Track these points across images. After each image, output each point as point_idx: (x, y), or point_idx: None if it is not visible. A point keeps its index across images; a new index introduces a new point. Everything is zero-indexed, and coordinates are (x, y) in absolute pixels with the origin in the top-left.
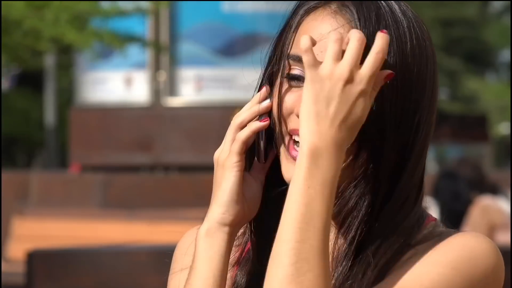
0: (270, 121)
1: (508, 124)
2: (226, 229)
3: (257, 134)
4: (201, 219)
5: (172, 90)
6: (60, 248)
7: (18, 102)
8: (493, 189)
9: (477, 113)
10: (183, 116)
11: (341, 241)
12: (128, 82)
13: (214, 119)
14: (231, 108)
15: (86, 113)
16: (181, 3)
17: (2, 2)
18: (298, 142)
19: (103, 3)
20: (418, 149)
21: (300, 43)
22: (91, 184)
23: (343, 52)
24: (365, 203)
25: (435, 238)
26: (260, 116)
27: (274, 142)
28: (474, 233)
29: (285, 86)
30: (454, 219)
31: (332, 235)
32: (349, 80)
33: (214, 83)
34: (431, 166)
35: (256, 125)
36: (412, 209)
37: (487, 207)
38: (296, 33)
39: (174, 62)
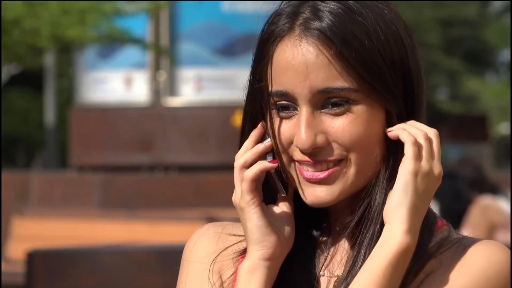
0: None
1: (508, 124)
2: (267, 263)
3: (270, 173)
4: (201, 219)
5: (172, 90)
6: (60, 248)
7: (18, 102)
8: (493, 189)
9: (477, 113)
10: (183, 116)
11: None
12: (128, 82)
13: (214, 119)
14: (231, 108)
15: (86, 113)
16: (181, 3)
17: (2, 2)
18: (304, 164)
19: (103, 4)
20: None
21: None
22: (91, 184)
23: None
24: (382, 202)
25: (456, 248)
26: (264, 156)
27: (284, 173)
28: (492, 244)
29: (277, 119)
30: (454, 219)
31: (342, 240)
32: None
33: (214, 83)
34: None
35: (264, 164)
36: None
37: (487, 207)
38: (271, 69)
39: (174, 62)
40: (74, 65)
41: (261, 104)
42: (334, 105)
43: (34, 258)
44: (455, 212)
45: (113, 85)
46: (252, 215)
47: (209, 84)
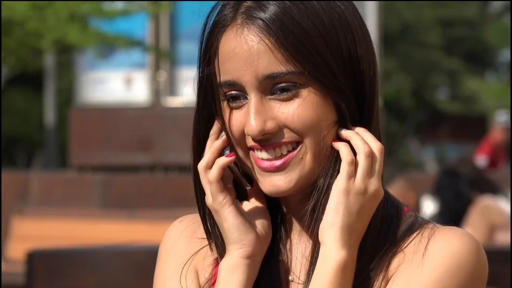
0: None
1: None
2: (248, 261)
3: (231, 167)
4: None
5: (172, 90)
6: (60, 248)
7: (18, 102)
8: (493, 189)
9: (477, 113)
10: (183, 116)
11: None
12: (128, 82)
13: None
14: None
15: (86, 113)
16: (181, 3)
17: (4, 2)
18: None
19: (104, 4)
20: (374, 119)
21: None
22: (91, 184)
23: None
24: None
25: (418, 240)
26: (222, 151)
27: (240, 164)
28: (452, 234)
29: (227, 110)
30: (454, 219)
31: (297, 237)
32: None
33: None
34: (431, 166)
35: (222, 160)
36: (386, 196)
37: (487, 207)
38: (217, 60)
39: (174, 62)
40: (74, 65)
41: (212, 97)
42: (282, 90)
43: (34, 258)
44: (455, 212)
45: (113, 85)
46: (227, 215)
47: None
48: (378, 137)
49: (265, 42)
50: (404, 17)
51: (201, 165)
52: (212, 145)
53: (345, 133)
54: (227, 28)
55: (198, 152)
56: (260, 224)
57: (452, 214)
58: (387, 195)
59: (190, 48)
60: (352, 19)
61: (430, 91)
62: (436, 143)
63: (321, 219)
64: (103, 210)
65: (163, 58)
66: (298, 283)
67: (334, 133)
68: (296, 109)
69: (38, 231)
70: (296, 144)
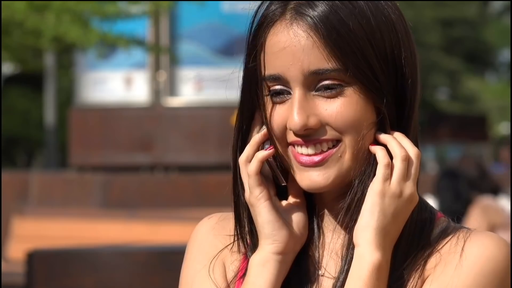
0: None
1: (508, 124)
2: (279, 257)
3: (269, 162)
4: (201, 219)
5: (172, 90)
6: (60, 248)
7: (18, 102)
8: (495, 189)
9: (477, 113)
10: (183, 116)
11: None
12: (128, 82)
13: (214, 119)
14: (231, 108)
15: (86, 113)
16: (181, 3)
17: (3, 2)
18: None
19: (104, 5)
20: (411, 121)
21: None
22: (91, 184)
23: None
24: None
25: (454, 243)
26: (262, 145)
27: (279, 160)
28: (487, 239)
29: (270, 105)
30: (454, 219)
31: (330, 234)
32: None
33: (214, 83)
34: (431, 166)
35: (261, 154)
36: (420, 201)
37: (488, 207)
38: (264, 53)
39: (174, 62)
40: (74, 65)
41: (256, 92)
42: (327, 88)
43: (34, 258)
44: (455, 212)
45: (113, 85)
46: (262, 210)
47: (209, 84)
48: (416, 143)
49: (313, 39)
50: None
51: (242, 159)
52: (253, 138)
53: (382, 137)
54: (276, 23)
55: (239, 146)
56: (296, 222)
57: (452, 215)
58: (421, 200)
59: (190, 48)
60: (398, 22)
61: (430, 91)
62: (436, 143)
63: (355, 219)
64: (103, 210)
65: (164, 54)
66: (328, 277)
67: (373, 135)
68: (339, 108)
69: (38, 231)
70: (336, 142)
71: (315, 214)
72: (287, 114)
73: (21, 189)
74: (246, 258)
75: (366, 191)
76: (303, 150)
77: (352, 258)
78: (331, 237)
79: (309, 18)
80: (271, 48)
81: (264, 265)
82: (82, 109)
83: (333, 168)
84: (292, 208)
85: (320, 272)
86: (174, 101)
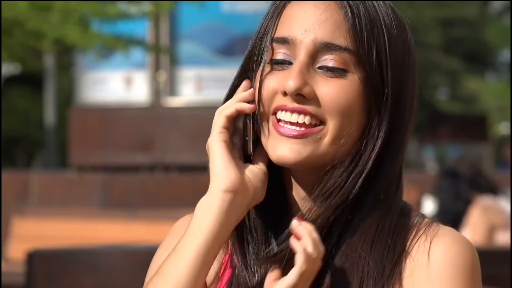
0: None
1: (508, 124)
2: (225, 195)
3: (245, 123)
4: None
5: (172, 90)
6: (60, 248)
7: (18, 102)
8: (493, 189)
9: (477, 113)
10: (183, 116)
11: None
12: (128, 82)
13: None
14: None
15: (86, 113)
16: (181, 3)
17: (5, 2)
18: (281, 120)
19: (105, 6)
20: (402, 133)
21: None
22: (91, 184)
23: None
24: (349, 183)
25: (423, 243)
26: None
27: (259, 125)
28: (459, 237)
29: (268, 69)
30: (454, 219)
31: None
32: None
33: (214, 83)
34: (431, 166)
35: (241, 104)
36: (396, 194)
37: (487, 207)
38: (280, 16)
39: (174, 62)
40: (74, 65)
41: (258, 54)
42: (331, 68)
43: (34, 258)
44: (455, 212)
45: (113, 85)
46: (217, 148)
47: (209, 84)
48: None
49: (335, 13)
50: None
51: (220, 108)
52: (237, 94)
53: (298, 229)
54: None
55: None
56: (253, 175)
57: (452, 215)
58: (400, 201)
59: (190, 48)
60: (412, 46)
61: (430, 91)
62: (436, 143)
63: (328, 208)
64: (103, 210)
65: (164, 54)
66: None
67: (357, 137)
68: (336, 89)
69: (38, 231)
70: (320, 122)
71: (287, 203)
72: (283, 79)
73: (21, 189)
74: (230, 257)
75: (346, 185)
76: (286, 116)
77: (325, 242)
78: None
79: None
80: (291, 12)
81: (210, 203)
82: (82, 109)
83: (309, 146)
84: (254, 167)
85: None
86: (174, 101)
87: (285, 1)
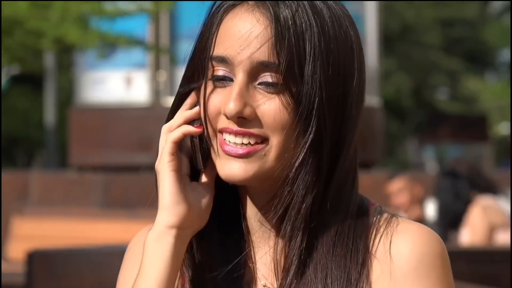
0: (203, 128)
1: (508, 124)
2: (173, 231)
3: (192, 141)
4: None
5: (172, 90)
6: (60, 248)
7: (18, 102)
8: (493, 189)
9: (477, 113)
10: None
11: (283, 244)
12: (128, 82)
13: None
14: None
15: (86, 113)
16: (181, 3)
17: (5, 2)
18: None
19: (105, 4)
20: (351, 132)
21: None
22: (91, 184)
23: None
24: (308, 193)
25: (385, 241)
26: (191, 123)
27: (207, 147)
28: (419, 230)
29: (210, 87)
30: (454, 219)
31: (271, 243)
32: None
33: None
34: (431, 166)
35: (187, 128)
36: (351, 192)
37: (487, 207)
38: (217, 33)
39: (174, 62)
40: (74, 65)
41: (199, 71)
42: (270, 85)
43: (34, 258)
44: (455, 212)
45: (113, 85)
46: (166, 178)
47: None
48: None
49: (269, 30)
50: (404, 17)
51: (165, 127)
52: (183, 112)
53: None
54: (236, 7)
55: (170, 117)
56: (199, 202)
57: (452, 215)
58: (357, 198)
59: (190, 48)
60: (356, 41)
61: (430, 91)
62: (436, 143)
63: (285, 226)
64: (103, 210)
65: (163, 54)
66: (263, 285)
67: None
68: (276, 106)
69: (38, 231)
70: (265, 139)
71: (243, 219)
72: (225, 99)
73: (21, 189)
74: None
75: (293, 200)
76: (231, 138)
77: (293, 268)
78: (265, 243)
79: (271, 11)
80: (226, 29)
81: (159, 240)
82: (82, 109)
83: (255, 164)
84: (200, 190)
85: (261, 282)
86: None
87: (221, 14)
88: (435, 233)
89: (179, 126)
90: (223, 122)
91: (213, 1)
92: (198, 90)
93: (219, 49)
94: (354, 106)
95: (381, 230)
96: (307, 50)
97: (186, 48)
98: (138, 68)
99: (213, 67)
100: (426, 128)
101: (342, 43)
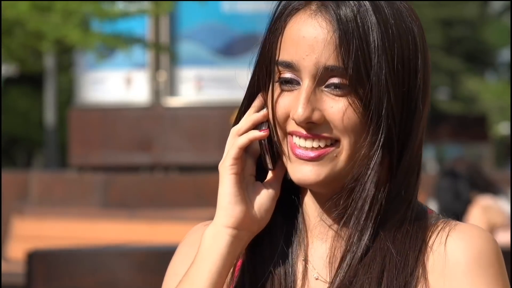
0: (270, 130)
1: (508, 124)
2: (229, 231)
3: (261, 143)
4: (201, 219)
5: (172, 90)
6: (60, 248)
7: (18, 102)
8: (493, 189)
9: (477, 113)
10: (183, 116)
11: (342, 240)
12: (128, 82)
13: (214, 119)
14: (231, 108)
15: (86, 113)
16: (181, 3)
17: (5, 2)
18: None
19: (104, 5)
20: (419, 127)
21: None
22: (91, 184)
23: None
24: (379, 191)
25: (447, 236)
26: (259, 125)
27: (277, 148)
28: (477, 229)
29: (277, 91)
30: (454, 219)
31: (328, 239)
32: None
33: (214, 83)
34: (431, 166)
35: (254, 133)
36: (416, 184)
37: (488, 207)
38: (282, 38)
39: (174, 62)
40: (74, 65)
41: (265, 74)
42: (336, 87)
43: (34, 258)
44: (455, 212)
45: (113, 85)
46: (225, 180)
47: (209, 84)
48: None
49: (332, 35)
50: None
51: (234, 129)
52: (250, 115)
53: None
54: (299, 12)
55: (238, 119)
56: (259, 204)
57: (452, 215)
58: (417, 201)
59: (190, 48)
60: (419, 34)
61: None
62: (436, 143)
63: (350, 225)
64: (103, 210)
65: (163, 52)
66: (322, 281)
67: (371, 145)
68: (345, 108)
69: (38, 231)
70: (335, 141)
71: (303, 215)
72: (293, 103)
73: (21, 189)
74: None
75: (366, 197)
76: (301, 142)
77: (348, 263)
78: (322, 238)
79: (334, 15)
80: (290, 34)
81: (215, 237)
82: (82, 109)
83: (326, 166)
84: (262, 191)
85: (314, 275)
86: (174, 101)
87: (285, 19)
88: (491, 235)
89: (247, 129)
90: (292, 126)
91: (276, 4)
92: (265, 93)
93: (284, 55)
94: (420, 101)
95: (439, 226)
96: (372, 51)
97: (186, 48)
98: (138, 68)
99: (279, 71)
100: (426, 128)
101: (406, 39)
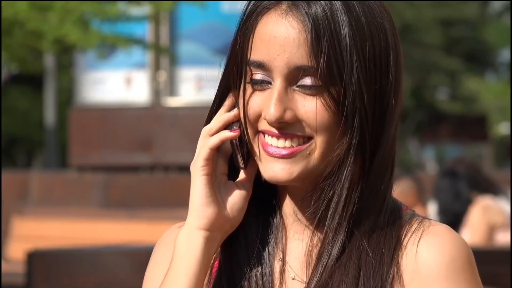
0: (241, 130)
1: (508, 124)
2: (202, 233)
3: (232, 142)
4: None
5: (172, 90)
6: (60, 248)
7: (18, 102)
8: (493, 189)
9: (477, 113)
10: (183, 116)
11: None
12: (128, 82)
13: None
14: None
15: (86, 113)
16: (181, 3)
17: (5, 2)
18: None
19: (105, 5)
20: (392, 124)
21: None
22: (91, 184)
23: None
24: (353, 189)
25: (419, 239)
26: (230, 125)
27: (248, 146)
28: (449, 234)
29: (249, 90)
30: (454, 219)
31: (304, 238)
32: None
33: (214, 83)
34: (431, 166)
35: (225, 134)
36: (389, 182)
37: (488, 207)
38: (253, 37)
39: (174, 62)
40: (74, 65)
41: (236, 74)
42: (309, 86)
43: (34, 258)
44: (455, 212)
45: (113, 85)
46: (198, 182)
47: (209, 84)
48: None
49: (303, 35)
50: (404, 17)
51: (205, 129)
52: (222, 115)
53: None
54: (270, 11)
55: (210, 118)
56: (231, 203)
57: (452, 215)
58: (391, 198)
59: (190, 48)
60: (390, 32)
61: (430, 91)
62: (436, 143)
63: (324, 223)
64: (103, 210)
65: (163, 54)
66: (298, 281)
67: (344, 143)
68: (318, 107)
69: (38, 231)
70: (308, 139)
71: (279, 213)
72: (265, 103)
73: (21, 189)
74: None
75: (339, 196)
76: (273, 141)
77: (324, 263)
78: (299, 238)
79: (305, 14)
80: (261, 34)
81: (189, 240)
82: (82, 109)
83: (299, 164)
84: (234, 191)
85: (291, 274)
86: (174, 101)
87: (256, 18)
88: (464, 239)
89: (219, 129)
90: (264, 125)
91: (247, 3)
92: (236, 92)
93: (255, 55)
94: (393, 99)
95: (414, 226)
96: (344, 49)
97: (186, 48)
98: (138, 68)
99: (251, 71)
100: (426, 128)
101: (377, 37)
